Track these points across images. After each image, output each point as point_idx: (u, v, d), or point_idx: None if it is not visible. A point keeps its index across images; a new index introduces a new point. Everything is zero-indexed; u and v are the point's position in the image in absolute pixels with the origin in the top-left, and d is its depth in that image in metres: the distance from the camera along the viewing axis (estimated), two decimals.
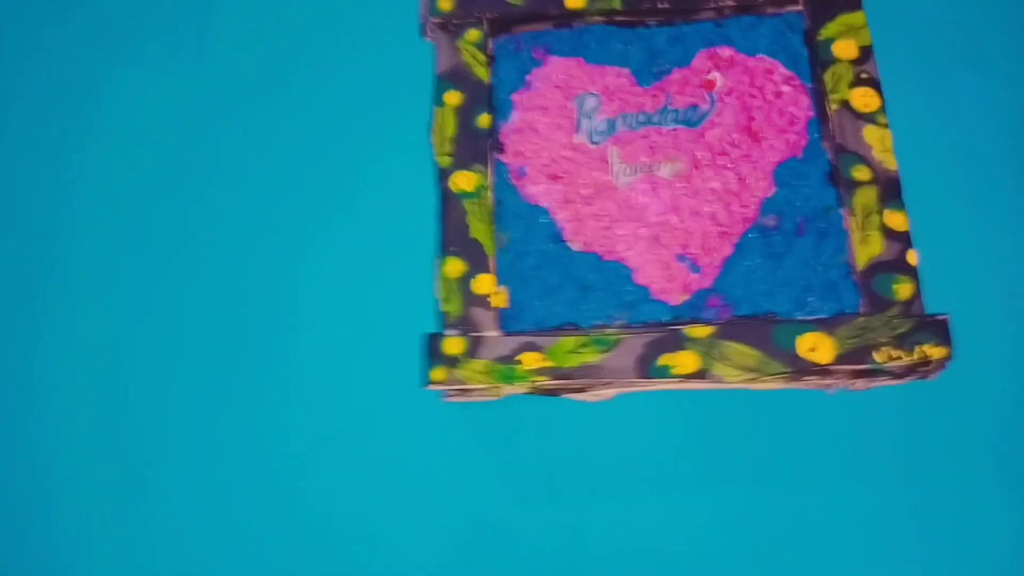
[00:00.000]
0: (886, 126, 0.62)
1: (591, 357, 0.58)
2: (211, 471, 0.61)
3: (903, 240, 0.59)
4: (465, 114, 0.64)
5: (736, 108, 0.64)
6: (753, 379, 0.57)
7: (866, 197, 0.60)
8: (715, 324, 0.58)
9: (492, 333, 0.59)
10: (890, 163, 0.61)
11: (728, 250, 0.61)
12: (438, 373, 0.58)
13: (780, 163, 0.62)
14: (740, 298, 0.59)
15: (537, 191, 0.63)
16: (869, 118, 0.62)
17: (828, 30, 0.65)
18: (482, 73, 0.65)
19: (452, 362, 0.58)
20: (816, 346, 0.57)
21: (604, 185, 0.63)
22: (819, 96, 0.63)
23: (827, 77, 0.63)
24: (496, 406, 0.60)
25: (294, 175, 0.67)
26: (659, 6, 0.66)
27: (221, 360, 0.63)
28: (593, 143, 0.64)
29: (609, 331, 0.58)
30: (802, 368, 0.56)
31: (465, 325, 0.59)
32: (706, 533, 0.58)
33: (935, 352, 0.56)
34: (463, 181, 0.63)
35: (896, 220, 0.59)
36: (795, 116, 0.63)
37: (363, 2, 0.71)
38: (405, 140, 0.66)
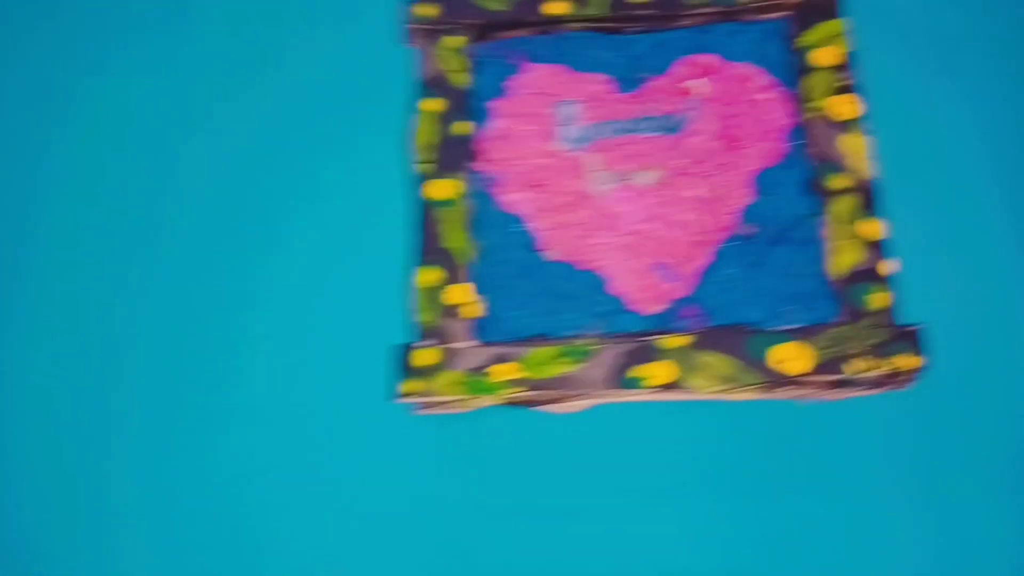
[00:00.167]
0: (864, 134, 0.61)
1: (567, 368, 0.57)
2: (171, 487, 0.60)
3: (879, 249, 0.59)
4: (443, 121, 0.64)
5: (716, 115, 0.64)
6: (728, 390, 0.57)
7: (843, 206, 0.60)
8: (690, 334, 0.58)
9: (467, 344, 0.59)
10: (867, 172, 0.60)
11: (706, 259, 0.60)
12: (410, 385, 0.58)
13: (761, 171, 0.62)
14: (717, 307, 0.59)
15: (514, 200, 0.63)
16: (846, 126, 0.62)
17: (806, 38, 0.64)
18: (462, 80, 0.65)
19: (425, 373, 0.58)
20: (789, 357, 0.56)
21: (581, 194, 0.63)
22: (801, 103, 0.63)
23: (804, 85, 0.63)
24: (467, 419, 0.60)
25: (268, 180, 0.67)
26: (641, 13, 0.66)
27: (185, 370, 0.62)
28: (571, 151, 0.64)
29: (585, 341, 0.58)
30: (776, 379, 0.56)
31: (439, 336, 0.59)
32: (682, 545, 0.58)
33: (907, 363, 0.56)
34: (439, 189, 0.62)
35: (872, 229, 0.59)
36: (776, 123, 0.63)
37: (343, 8, 0.71)
38: (381, 147, 0.66)
